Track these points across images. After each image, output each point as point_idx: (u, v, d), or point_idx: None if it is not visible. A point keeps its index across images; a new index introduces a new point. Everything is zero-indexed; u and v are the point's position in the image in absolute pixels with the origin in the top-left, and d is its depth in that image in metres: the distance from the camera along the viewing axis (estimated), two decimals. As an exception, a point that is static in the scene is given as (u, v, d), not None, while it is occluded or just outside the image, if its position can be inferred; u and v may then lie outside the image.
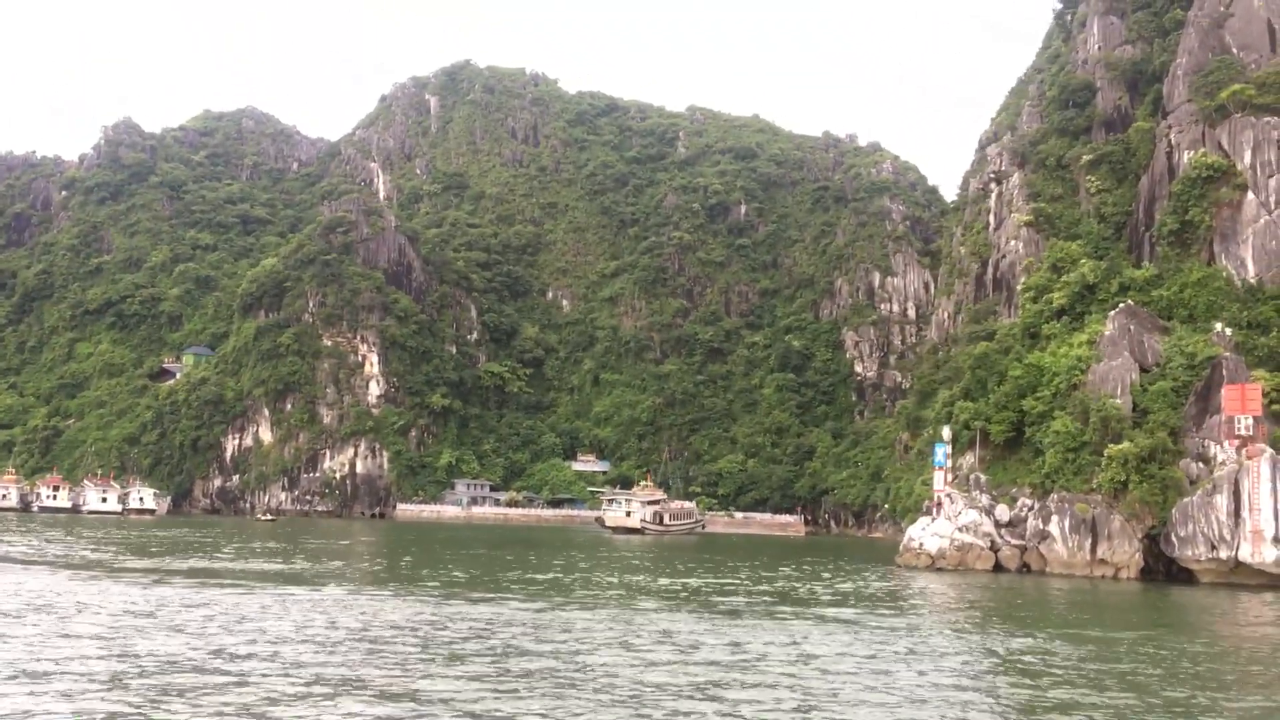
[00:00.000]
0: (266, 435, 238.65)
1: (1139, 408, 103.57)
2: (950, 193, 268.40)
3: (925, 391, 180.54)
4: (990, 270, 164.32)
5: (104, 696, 31.99)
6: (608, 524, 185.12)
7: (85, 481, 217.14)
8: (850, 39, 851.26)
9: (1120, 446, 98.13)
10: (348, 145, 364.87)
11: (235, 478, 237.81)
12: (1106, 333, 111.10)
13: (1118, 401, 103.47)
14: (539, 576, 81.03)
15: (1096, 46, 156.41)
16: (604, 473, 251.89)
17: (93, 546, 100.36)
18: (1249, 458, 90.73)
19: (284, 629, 46.89)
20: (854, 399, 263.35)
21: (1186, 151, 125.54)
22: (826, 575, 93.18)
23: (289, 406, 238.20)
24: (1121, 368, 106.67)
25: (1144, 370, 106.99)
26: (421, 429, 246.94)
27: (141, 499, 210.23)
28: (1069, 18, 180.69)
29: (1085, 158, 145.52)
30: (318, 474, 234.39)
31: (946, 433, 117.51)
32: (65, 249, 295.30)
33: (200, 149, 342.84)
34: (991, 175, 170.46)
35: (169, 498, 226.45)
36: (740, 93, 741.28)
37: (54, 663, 36.92)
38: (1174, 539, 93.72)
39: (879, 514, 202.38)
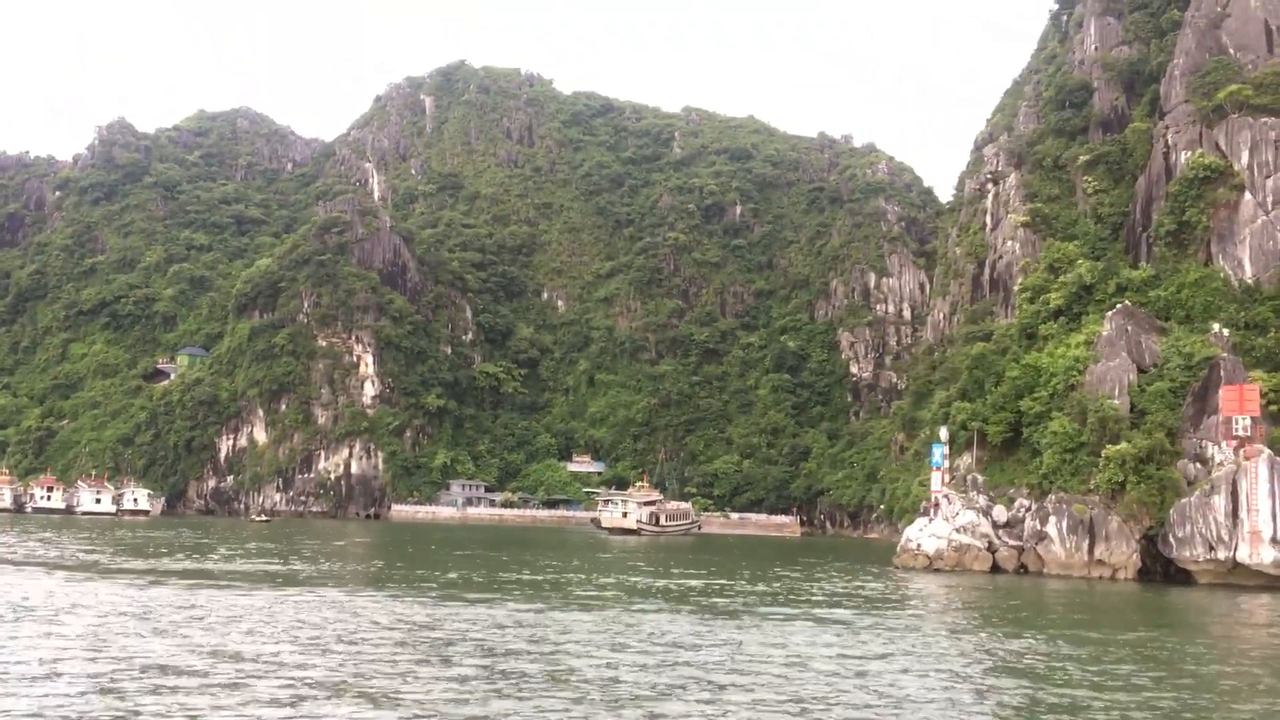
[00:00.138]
0: (261, 436, 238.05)
1: (1136, 408, 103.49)
2: (946, 193, 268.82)
3: (921, 392, 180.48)
4: (987, 271, 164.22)
5: (99, 698, 31.63)
6: (604, 525, 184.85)
7: (79, 482, 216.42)
8: (850, 39, 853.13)
9: (1118, 447, 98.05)
10: (342, 145, 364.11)
11: (229, 478, 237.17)
12: (1104, 333, 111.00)
13: (1115, 402, 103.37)
14: (536, 578, 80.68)
15: (1093, 47, 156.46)
16: (599, 473, 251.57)
17: (87, 548, 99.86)
18: (1247, 458, 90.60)
19: (277, 631, 46.51)
20: (849, 400, 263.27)
21: (1184, 152, 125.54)
22: (824, 576, 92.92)
23: (284, 407, 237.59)
24: (1119, 368, 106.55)
25: (1141, 371, 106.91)
26: (416, 429, 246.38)
27: (135, 500, 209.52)
28: (1065, 18, 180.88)
29: (1082, 158, 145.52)
30: (312, 475, 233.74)
31: (944, 433, 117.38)
32: (59, 249, 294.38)
33: (195, 149, 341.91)
34: (988, 176, 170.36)
35: (163, 499, 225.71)
36: (736, 93, 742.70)
37: (48, 665, 36.55)
38: (1172, 540, 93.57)
39: (874, 515, 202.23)
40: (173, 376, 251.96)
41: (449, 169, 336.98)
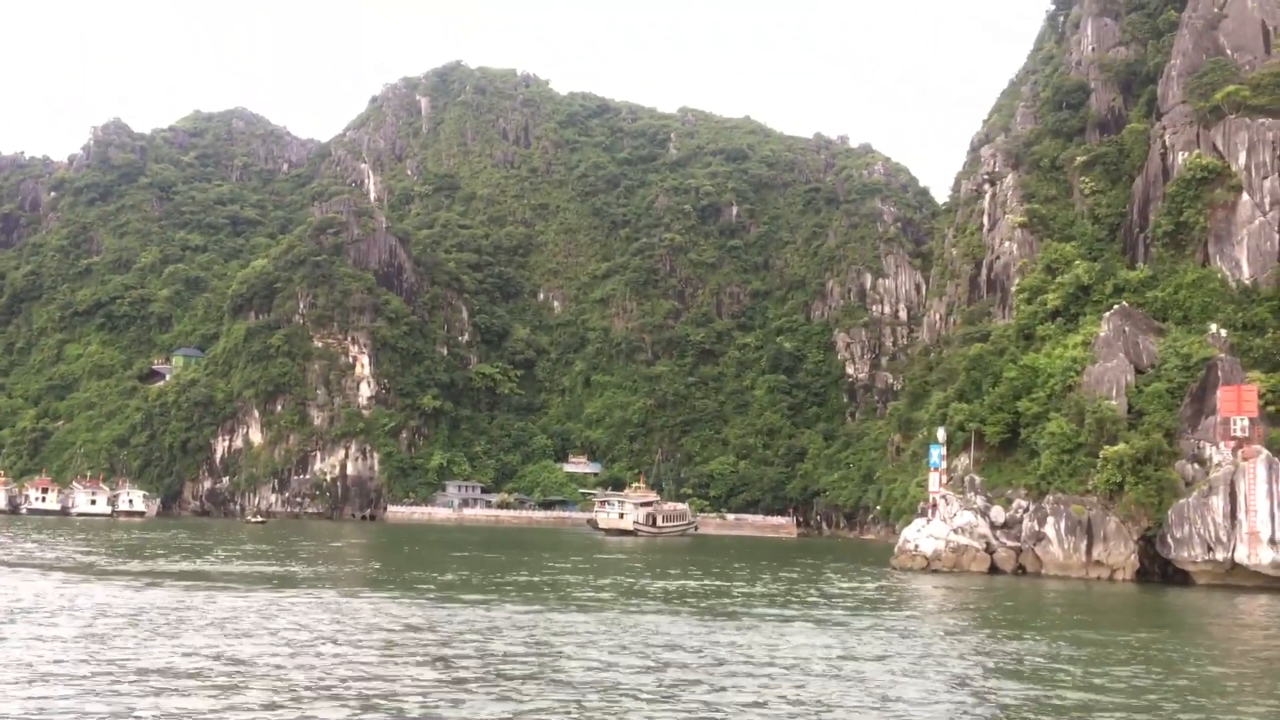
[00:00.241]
0: (256, 437, 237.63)
1: (1134, 409, 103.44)
2: (942, 194, 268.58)
3: (917, 393, 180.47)
4: (984, 271, 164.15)
5: (95, 700, 31.40)
6: (600, 526, 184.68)
7: (74, 483, 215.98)
8: (850, 39, 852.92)
9: (1116, 448, 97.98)
10: (338, 146, 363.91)
11: (225, 480, 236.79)
12: (1101, 334, 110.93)
13: (1113, 403, 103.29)
14: (533, 579, 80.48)
15: (1090, 48, 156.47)
16: (595, 474, 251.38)
17: (83, 549, 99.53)
18: (1245, 459, 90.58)
19: (275, 633, 46.27)
20: (845, 401, 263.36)
21: (1181, 153, 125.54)
22: (821, 577, 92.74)
23: (279, 408, 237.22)
24: (1116, 369, 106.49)
25: (1139, 371, 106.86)
26: (412, 431, 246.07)
27: (131, 501, 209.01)
28: (1062, 19, 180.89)
29: (1079, 159, 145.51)
30: (308, 476, 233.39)
31: (941, 434, 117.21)
32: (54, 250, 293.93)
33: (190, 150, 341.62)
34: (985, 176, 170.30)
35: (158, 500, 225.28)
36: (732, 94, 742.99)
37: (41, 666, 36.29)
38: (1170, 541, 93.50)
39: (871, 516, 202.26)
40: (168, 377, 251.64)
41: (445, 170, 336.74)
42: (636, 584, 79.01)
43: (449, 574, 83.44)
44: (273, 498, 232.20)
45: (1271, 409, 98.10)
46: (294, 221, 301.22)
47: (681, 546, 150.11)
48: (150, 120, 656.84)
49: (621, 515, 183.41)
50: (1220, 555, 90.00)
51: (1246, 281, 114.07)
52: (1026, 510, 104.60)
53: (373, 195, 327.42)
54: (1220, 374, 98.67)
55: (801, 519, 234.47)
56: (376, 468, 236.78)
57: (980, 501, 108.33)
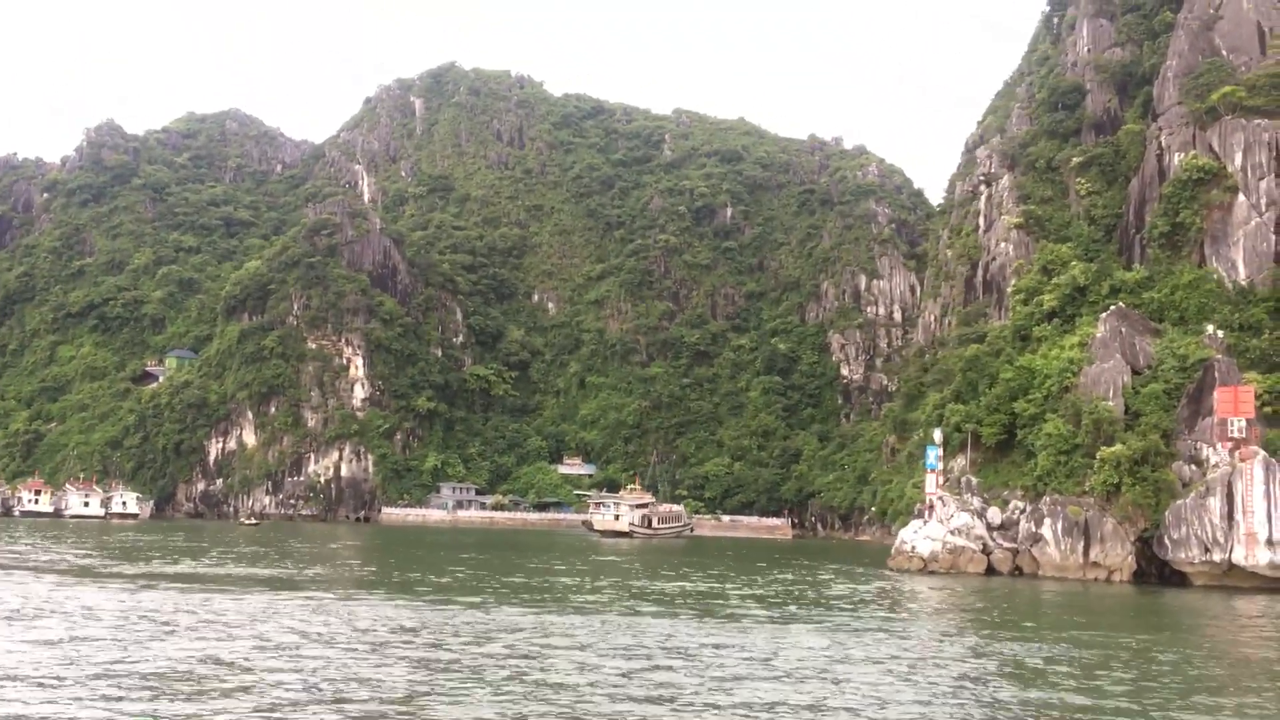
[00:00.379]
0: (250, 439, 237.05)
1: (1131, 410, 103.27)
2: (936, 196, 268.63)
3: (912, 394, 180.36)
4: (980, 273, 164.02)
5: (91, 703, 31.13)
6: (596, 527, 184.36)
7: (67, 485, 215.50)
8: (849, 39, 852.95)
9: (1112, 449, 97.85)
10: (332, 147, 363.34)
11: (219, 481, 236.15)
12: (1098, 335, 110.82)
13: (1110, 404, 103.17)
14: (529, 581, 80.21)
15: (1086, 49, 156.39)
16: (590, 476, 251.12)
17: (76, 551, 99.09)
18: (1242, 460, 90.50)
19: (271, 636, 45.99)
20: (840, 402, 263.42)
21: (1177, 154, 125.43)
22: (818, 579, 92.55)
23: (273, 410, 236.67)
24: (1113, 370, 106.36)
25: (1136, 372, 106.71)
26: (407, 432, 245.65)
27: (124, 503, 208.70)
28: (1057, 20, 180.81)
29: (1075, 160, 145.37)
30: (302, 478, 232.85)
31: (938, 435, 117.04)
32: (47, 251, 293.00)
33: (183, 151, 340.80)
34: (981, 178, 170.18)
35: (151, 502, 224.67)
36: (729, 95, 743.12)
37: (34, 669, 36.01)
38: (1167, 542, 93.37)
39: (866, 517, 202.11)
40: (161, 379, 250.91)
41: (439, 171, 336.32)
42: (633, 586, 78.76)
43: (445, 576, 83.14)
44: (266, 500, 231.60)
45: (1268, 410, 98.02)
46: (288, 223, 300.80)
47: (677, 548, 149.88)
48: (151, 120, 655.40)
49: (617, 517, 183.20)
50: (1218, 556, 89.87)
51: (1243, 282, 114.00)
52: (1023, 511, 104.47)
53: (367, 197, 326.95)
54: (1217, 375, 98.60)
55: (796, 520, 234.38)
56: (371, 470, 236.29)
57: (977, 503, 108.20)
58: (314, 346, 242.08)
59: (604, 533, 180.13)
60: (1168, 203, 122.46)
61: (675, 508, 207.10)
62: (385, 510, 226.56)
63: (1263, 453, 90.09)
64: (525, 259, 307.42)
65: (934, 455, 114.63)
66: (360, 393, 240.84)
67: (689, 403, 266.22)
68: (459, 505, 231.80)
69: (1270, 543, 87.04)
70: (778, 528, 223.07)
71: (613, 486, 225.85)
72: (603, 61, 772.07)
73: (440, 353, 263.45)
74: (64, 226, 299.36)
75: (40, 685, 33.74)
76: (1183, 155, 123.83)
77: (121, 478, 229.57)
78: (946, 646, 49.96)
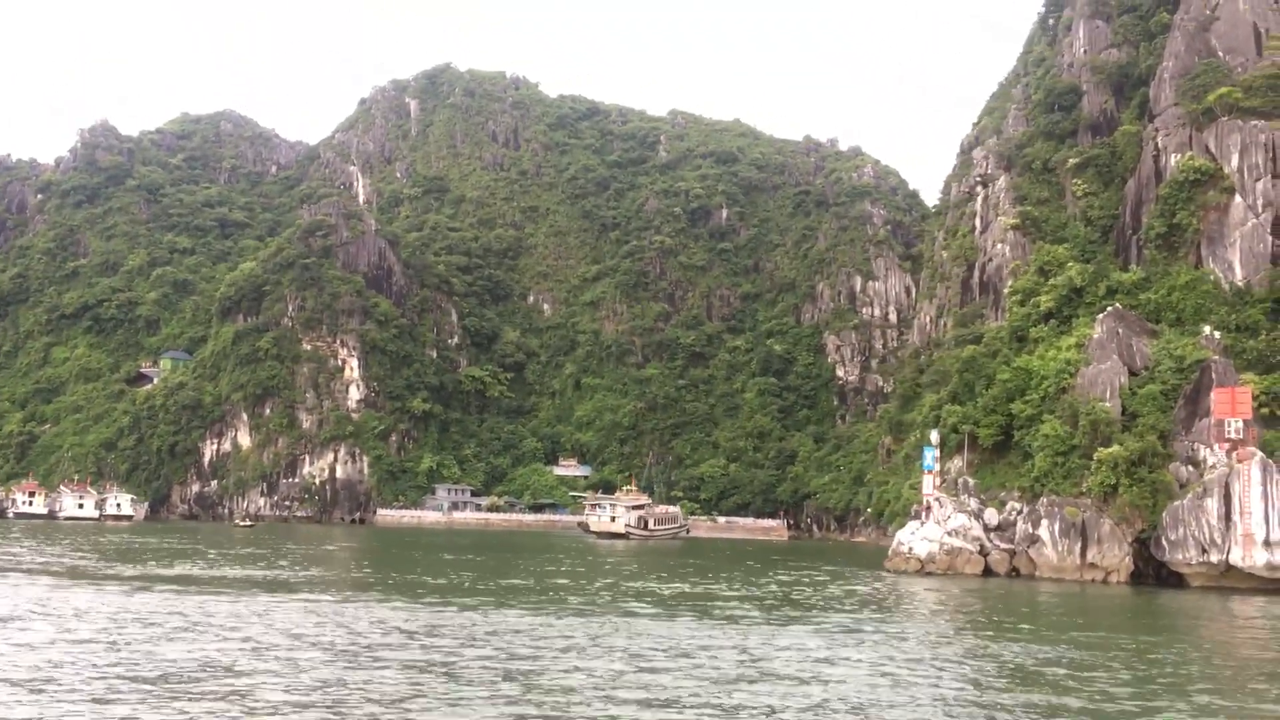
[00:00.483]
0: (245, 440, 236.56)
1: (1128, 411, 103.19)
2: (932, 197, 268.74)
3: (907, 396, 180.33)
4: (976, 274, 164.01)
5: (89, 705, 30.86)
6: (592, 529, 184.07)
7: (61, 487, 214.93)
8: (849, 39, 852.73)
9: (1109, 450, 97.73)
10: (327, 149, 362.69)
11: (213, 483, 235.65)
12: (1095, 336, 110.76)
13: (1107, 405, 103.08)
14: (526, 583, 79.95)
15: (1082, 50, 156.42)
16: (585, 477, 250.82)
17: (71, 553, 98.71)
18: (1239, 461, 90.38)
19: (268, 637, 45.72)
20: (836, 403, 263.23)
21: (1173, 155, 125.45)
22: (815, 580, 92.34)
23: (268, 411, 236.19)
24: (1110, 371, 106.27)
25: (1133, 373, 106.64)
26: (402, 434, 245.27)
27: (119, 505, 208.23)
28: (1053, 21, 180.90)
29: (1071, 161, 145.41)
30: (297, 479, 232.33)
31: (935, 436, 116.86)
32: (41, 252, 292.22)
33: (178, 152, 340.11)
34: (978, 179, 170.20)
35: (146, 504, 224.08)
36: (723, 96, 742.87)
37: (40, 671, 35.73)
38: (1164, 543, 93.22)
39: (861, 518, 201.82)
40: (156, 380, 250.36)
41: (434, 172, 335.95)
42: (629, 587, 78.51)
43: (440, 578, 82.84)
44: (261, 501, 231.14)
45: (1265, 411, 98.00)
46: (282, 224, 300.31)
47: (673, 550, 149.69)
48: (151, 121, 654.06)
49: (613, 518, 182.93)
50: (1215, 557, 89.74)
51: (1239, 283, 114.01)
52: (1020, 513, 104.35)
53: (361, 198, 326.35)
54: (1214, 376, 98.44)
55: (792, 522, 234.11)
56: (366, 471, 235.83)
57: (974, 504, 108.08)
58: (309, 348, 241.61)
59: (600, 534, 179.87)
60: (1164, 204, 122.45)
61: (671, 509, 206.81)
62: (380, 512, 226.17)
63: (1260, 454, 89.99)
64: (520, 260, 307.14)
65: (931, 456, 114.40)
66: (355, 394, 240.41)
67: (684, 404, 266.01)
68: (454, 507, 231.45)
69: (1267, 544, 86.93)
70: (773, 529, 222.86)
71: (608, 488, 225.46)
72: (598, 62, 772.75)
73: (435, 354, 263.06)
74: (58, 228, 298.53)
75: (32, 689, 33.46)
76: (1179, 156, 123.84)
77: (116, 479, 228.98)
78: (944, 648, 49.77)
